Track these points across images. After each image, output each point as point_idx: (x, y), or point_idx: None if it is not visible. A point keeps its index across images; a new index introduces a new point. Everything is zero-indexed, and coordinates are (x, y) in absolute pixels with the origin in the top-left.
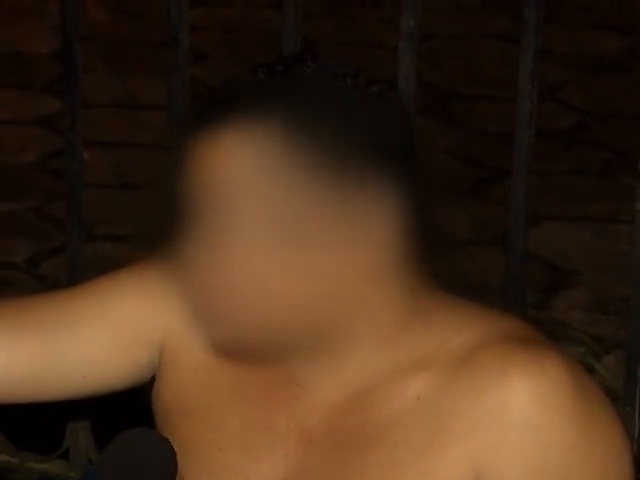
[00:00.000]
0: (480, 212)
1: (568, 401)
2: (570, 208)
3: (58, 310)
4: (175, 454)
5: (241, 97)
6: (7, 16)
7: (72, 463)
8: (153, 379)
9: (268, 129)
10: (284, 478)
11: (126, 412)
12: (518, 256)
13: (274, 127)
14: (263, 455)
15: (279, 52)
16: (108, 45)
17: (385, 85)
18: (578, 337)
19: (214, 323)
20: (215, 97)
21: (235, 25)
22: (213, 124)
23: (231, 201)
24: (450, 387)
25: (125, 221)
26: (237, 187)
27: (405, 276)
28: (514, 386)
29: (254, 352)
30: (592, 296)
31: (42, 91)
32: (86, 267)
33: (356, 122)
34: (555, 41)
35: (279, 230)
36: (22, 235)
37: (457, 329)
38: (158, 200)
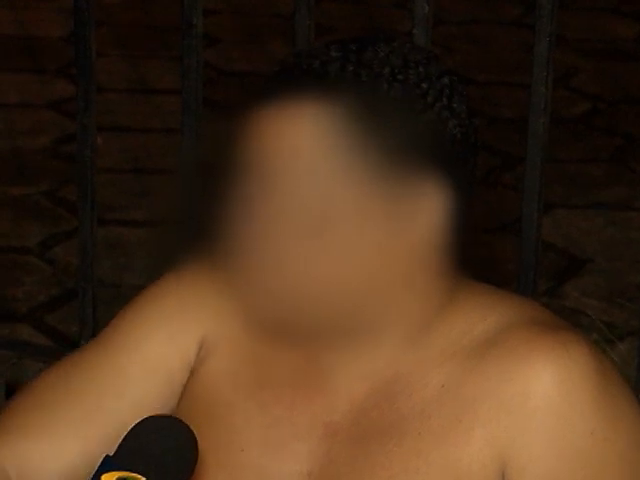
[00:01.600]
0: (493, 199)
1: (592, 387)
2: (582, 195)
3: (99, 377)
4: (196, 440)
5: (314, 72)
6: (20, 0)
7: None
8: None
9: (337, 109)
10: (309, 473)
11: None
12: (531, 243)
13: (343, 108)
14: (287, 452)
15: (292, 37)
16: (121, 29)
17: (454, 77)
18: (590, 324)
19: (256, 298)
20: (286, 70)
21: (249, 9)
22: (281, 97)
23: (284, 175)
24: (474, 373)
25: (137, 206)
26: (295, 160)
27: (441, 266)
28: (539, 371)
29: (291, 334)
30: (604, 284)
31: (55, 75)
32: (98, 251)
33: (422, 113)
34: (569, 27)
35: (330, 210)
36: (34, 219)
37: (481, 315)
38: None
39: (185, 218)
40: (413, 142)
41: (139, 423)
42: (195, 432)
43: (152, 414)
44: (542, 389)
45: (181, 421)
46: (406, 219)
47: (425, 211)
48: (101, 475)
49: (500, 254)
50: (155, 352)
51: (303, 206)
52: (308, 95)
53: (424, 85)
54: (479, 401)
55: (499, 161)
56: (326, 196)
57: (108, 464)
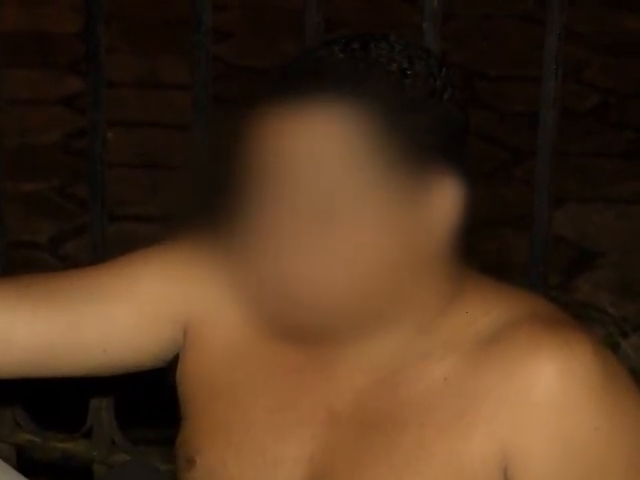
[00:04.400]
0: (503, 193)
1: (595, 382)
2: (593, 189)
3: (82, 285)
4: None
5: (325, 72)
6: None
7: (95, 442)
8: (177, 359)
9: (353, 109)
10: (311, 459)
11: (149, 391)
12: (542, 237)
13: (359, 107)
14: (290, 436)
15: (302, 32)
16: (131, 24)
17: (452, 71)
18: (602, 318)
19: (263, 295)
20: (291, 71)
21: (258, 4)
22: (290, 99)
23: (297, 174)
24: (478, 367)
25: (148, 201)
26: (312, 160)
27: (450, 261)
28: (542, 366)
29: (297, 330)
30: (615, 277)
31: (65, 71)
32: (108, 247)
33: (426, 110)
34: (579, 21)
35: (345, 207)
36: (45, 215)
37: (485, 310)
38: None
39: (192, 208)
40: (428, 137)
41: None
42: (201, 408)
43: (113, 336)
44: (544, 385)
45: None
46: (420, 214)
47: (440, 204)
48: None
49: (512, 248)
50: (142, 289)
51: (317, 204)
52: (321, 95)
53: (431, 79)
54: (481, 396)
55: (510, 155)
56: (339, 193)
57: None
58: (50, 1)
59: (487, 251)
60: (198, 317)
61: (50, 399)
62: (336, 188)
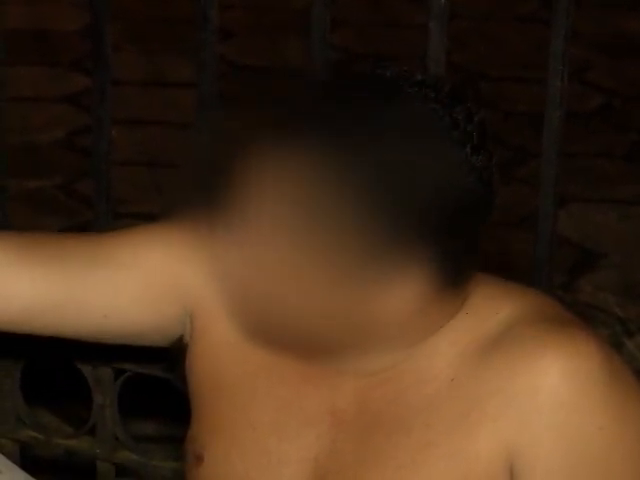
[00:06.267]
0: (506, 194)
1: (601, 383)
2: (596, 190)
3: (89, 249)
4: None
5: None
6: None
7: (98, 439)
8: (184, 351)
9: (357, 166)
10: (316, 459)
11: (153, 388)
12: (546, 238)
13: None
14: (294, 436)
15: (308, 31)
16: (137, 23)
17: (474, 106)
18: (605, 319)
19: (244, 303)
20: (298, 100)
21: (264, 3)
22: (288, 132)
23: (280, 199)
24: (484, 368)
25: (152, 199)
26: (285, 190)
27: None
28: (548, 366)
29: (282, 342)
30: (618, 278)
31: (70, 68)
32: None
33: (422, 174)
34: (583, 22)
35: (317, 231)
36: (49, 212)
37: (492, 310)
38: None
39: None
40: (401, 207)
41: None
42: (207, 404)
43: (115, 302)
44: (550, 384)
45: None
46: (379, 294)
47: (399, 292)
48: None
49: (515, 248)
50: (150, 261)
51: (292, 230)
52: (318, 142)
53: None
54: (487, 396)
55: (513, 156)
56: (320, 223)
57: None
58: None
59: (488, 252)
60: (205, 306)
61: (54, 396)
62: (309, 226)
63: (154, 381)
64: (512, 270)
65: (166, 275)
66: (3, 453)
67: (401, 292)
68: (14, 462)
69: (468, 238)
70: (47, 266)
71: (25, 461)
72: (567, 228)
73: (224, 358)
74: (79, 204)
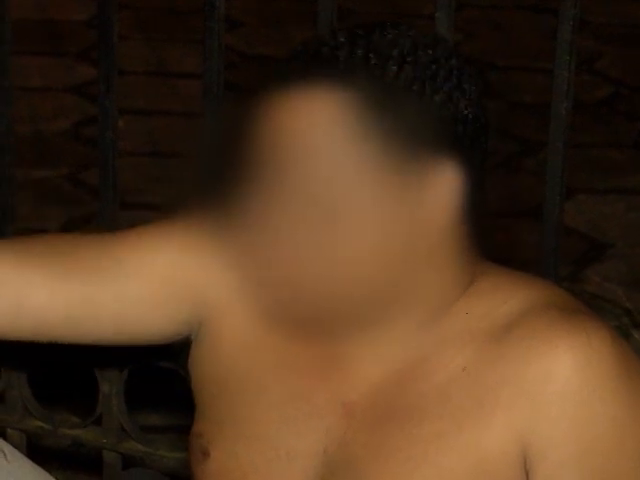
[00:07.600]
0: (514, 184)
1: (612, 372)
2: (604, 181)
3: (99, 258)
4: None
5: (324, 58)
6: None
7: (104, 429)
8: (189, 344)
9: (348, 94)
10: (325, 452)
11: (159, 379)
12: (552, 228)
13: (354, 92)
14: (303, 429)
15: (315, 21)
16: (143, 13)
17: (463, 58)
18: (612, 309)
19: (265, 285)
20: (296, 56)
21: None
22: (292, 83)
23: (296, 160)
24: (495, 357)
25: (157, 189)
26: (308, 145)
27: (458, 248)
28: (559, 356)
29: (301, 320)
30: (625, 269)
31: (76, 58)
32: None
33: (433, 95)
34: (591, 12)
35: (342, 193)
36: (55, 202)
37: (502, 299)
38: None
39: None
40: (425, 124)
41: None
42: (212, 399)
43: (128, 312)
44: (562, 374)
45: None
46: (419, 200)
47: (438, 191)
48: None
49: (521, 239)
50: (159, 265)
51: (316, 190)
52: (319, 80)
53: (433, 66)
54: (500, 385)
55: (520, 146)
56: (338, 179)
57: None
58: None
59: (495, 243)
60: (214, 304)
61: (61, 386)
62: (333, 170)
63: (160, 371)
64: (519, 260)
65: (176, 278)
66: (10, 443)
67: (433, 210)
68: (21, 452)
69: (478, 152)
70: (64, 280)
71: (32, 451)
72: (574, 219)
73: (232, 356)
74: (85, 194)
